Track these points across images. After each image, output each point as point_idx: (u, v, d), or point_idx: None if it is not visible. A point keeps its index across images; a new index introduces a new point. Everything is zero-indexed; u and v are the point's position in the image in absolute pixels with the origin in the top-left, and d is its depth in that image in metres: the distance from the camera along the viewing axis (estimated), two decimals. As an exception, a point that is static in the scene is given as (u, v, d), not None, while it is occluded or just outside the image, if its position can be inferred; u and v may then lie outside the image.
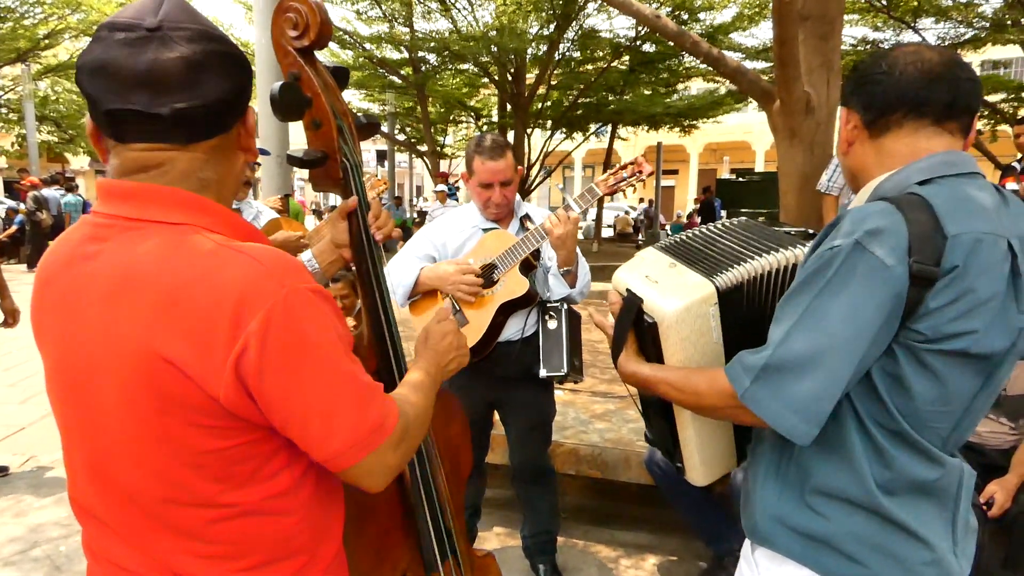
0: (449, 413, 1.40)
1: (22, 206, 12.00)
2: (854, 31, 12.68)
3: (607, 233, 19.55)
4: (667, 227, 18.83)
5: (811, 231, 1.24)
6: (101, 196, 0.83)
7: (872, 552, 1.00)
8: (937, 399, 0.96)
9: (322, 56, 1.16)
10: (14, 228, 12.09)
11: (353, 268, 1.20)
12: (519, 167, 2.31)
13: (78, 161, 22.87)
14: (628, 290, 1.22)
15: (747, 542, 1.18)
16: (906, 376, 0.95)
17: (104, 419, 0.80)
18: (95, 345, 0.78)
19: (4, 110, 17.26)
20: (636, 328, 1.22)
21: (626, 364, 1.23)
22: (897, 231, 0.91)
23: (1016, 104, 11.96)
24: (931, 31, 11.51)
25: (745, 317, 1.15)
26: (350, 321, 3.39)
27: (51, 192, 11.64)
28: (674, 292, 1.15)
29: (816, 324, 0.94)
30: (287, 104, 1.01)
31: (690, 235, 1.32)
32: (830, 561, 1.02)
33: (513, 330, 2.25)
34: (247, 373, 0.75)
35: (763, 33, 13.13)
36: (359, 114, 1.18)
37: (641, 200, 22.50)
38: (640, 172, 2.17)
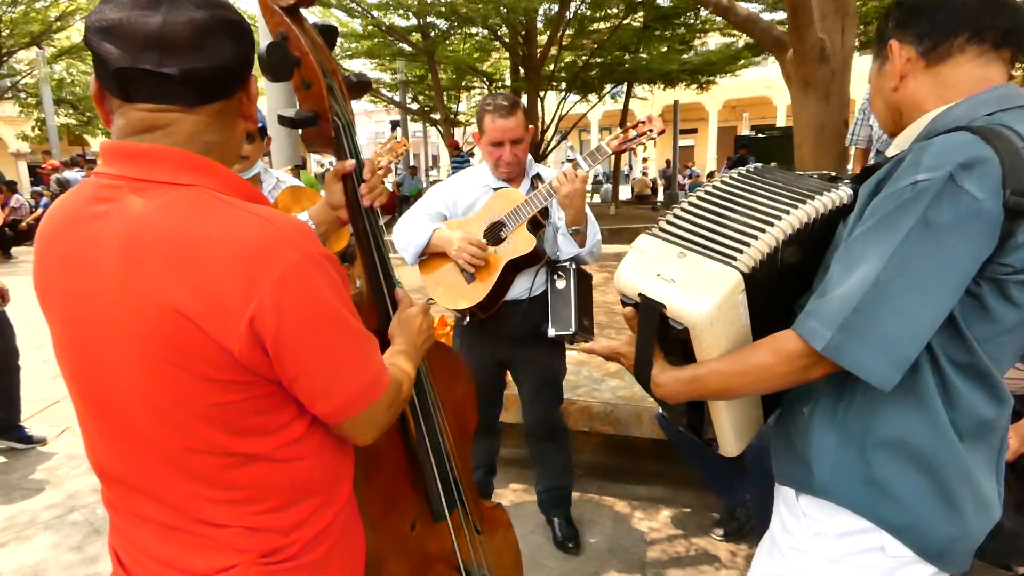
0: (455, 372, 1.43)
1: (47, 190, 12.23)
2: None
3: (624, 195, 19.32)
4: (686, 187, 18.55)
5: (833, 173, 1.18)
6: (106, 157, 0.84)
7: (934, 499, 0.99)
8: (1017, 325, 0.95)
9: (335, 25, 1.16)
10: (39, 211, 12.35)
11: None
12: (530, 126, 2.30)
13: (98, 143, 23.08)
14: (642, 296, 1.05)
15: (785, 491, 1.15)
16: (990, 306, 0.93)
17: (119, 375, 0.82)
18: (108, 301, 0.80)
19: (23, 95, 17.46)
20: (660, 336, 1.09)
21: (662, 377, 1.08)
22: (989, 162, 0.87)
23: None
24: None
25: (769, 288, 1.05)
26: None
27: (73, 174, 11.83)
28: (698, 289, 1.00)
29: (905, 267, 0.89)
30: (275, 63, 1.01)
31: (688, 208, 1.13)
32: (887, 510, 1.00)
33: (521, 289, 2.27)
34: (263, 331, 0.78)
35: (782, -19, 12.63)
36: (349, 74, 1.18)
37: (644, 162, 22.16)
38: (651, 130, 2.15)
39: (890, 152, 1.06)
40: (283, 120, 1.11)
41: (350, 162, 1.15)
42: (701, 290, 0.99)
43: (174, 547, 0.88)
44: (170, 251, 0.77)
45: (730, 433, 1.16)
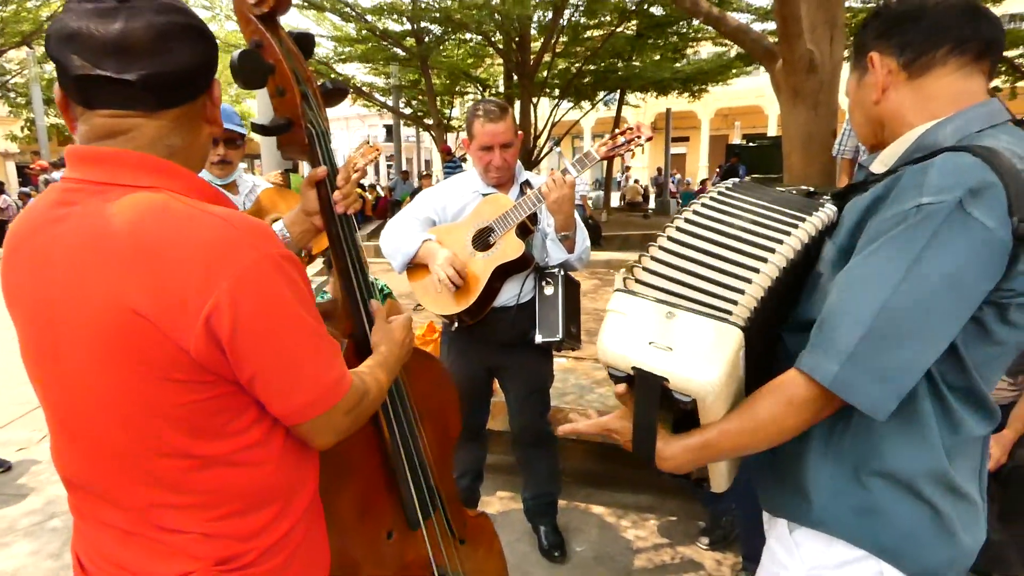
0: (435, 379, 1.42)
1: (35, 190, 12.12)
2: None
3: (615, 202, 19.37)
4: (678, 196, 18.61)
5: (811, 188, 1.15)
6: (70, 162, 0.85)
7: (929, 524, 0.96)
8: (1010, 347, 0.94)
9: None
10: (28, 212, 12.22)
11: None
12: (520, 132, 2.30)
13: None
14: (637, 369, 0.94)
15: (777, 525, 1.11)
16: (991, 329, 0.91)
17: (79, 377, 0.83)
18: (67, 304, 0.81)
19: (12, 95, 17.33)
20: (666, 400, 0.97)
21: (669, 450, 0.98)
22: (996, 188, 0.84)
23: (1025, 59, 11.59)
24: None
25: (761, 326, 0.96)
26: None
27: (61, 175, 11.74)
28: (701, 356, 0.89)
29: (913, 294, 0.85)
30: (247, 71, 1.02)
31: (666, 250, 1.00)
32: (885, 538, 0.97)
33: (509, 295, 2.26)
34: (219, 330, 0.78)
35: (773, -8, 12.75)
36: (325, 80, 1.18)
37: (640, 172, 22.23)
38: (639, 136, 2.15)
39: (874, 167, 1.04)
40: (256, 128, 1.12)
41: (322, 169, 1.14)
42: (704, 357, 0.89)
43: (133, 552, 0.88)
44: (128, 252, 0.78)
45: (724, 472, 1.09)
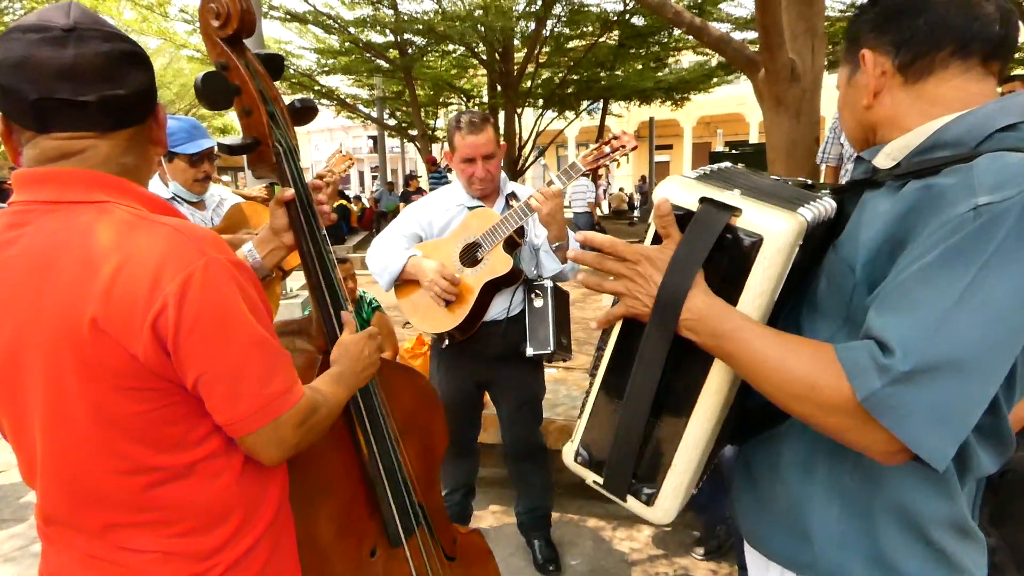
0: (418, 394, 1.41)
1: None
2: (843, -5, 12.47)
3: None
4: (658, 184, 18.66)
5: (808, 180, 1.05)
6: (18, 186, 0.87)
7: (938, 569, 0.87)
8: None
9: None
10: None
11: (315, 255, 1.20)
12: (502, 142, 2.30)
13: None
14: (706, 200, 0.84)
15: (775, 572, 0.99)
16: (1017, 363, 0.78)
17: (34, 397, 0.84)
18: (21, 324, 0.83)
19: (-10, 110, 17.08)
20: (713, 253, 0.85)
21: (703, 300, 0.83)
22: None
23: (1011, 64, 11.83)
24: (922, -7, 11.35)
25: (789, 286, 0.87)
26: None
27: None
28: (775, 212, 0.82)
29: (983, 309, 0.70)
30: (211, 93, 1.04)
31: (714, 170, 0.98)
32: None
33: (499, 309, 2.25)
34: (164, 331, 0.80)
35: (751, 3, 12.95)
36: (294, 99, 1.20)
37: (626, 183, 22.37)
38: (624, 146, 2.16)
39: (879, 161, 0.90)
40: (223, 147, 1.14)
41: (290, 191, 1.16)
42: (777, 214, 0.82)
43: None
44: (79, 262, 0.80)
45: (683, 477, 0.90)
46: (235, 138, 1.12)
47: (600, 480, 0.97)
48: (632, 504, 0.94)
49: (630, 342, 0.93)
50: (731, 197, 0.85)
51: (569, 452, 1.02)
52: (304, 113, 1.20)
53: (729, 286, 0.84)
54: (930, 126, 0.85)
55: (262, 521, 0.95)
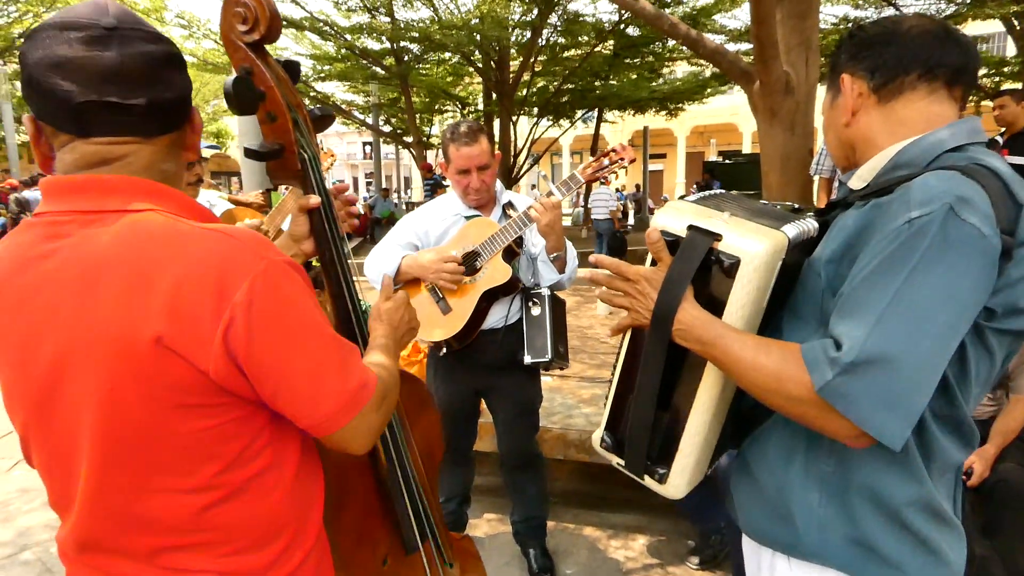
0: (420, 401, 1.41)
1: (5, 210, 11.86)
2: (834, 10, 12.63)
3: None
4: (655, 211, 18.79)
5: (795, 205, 1.18)
6: (50, 194, 0.82)
7: (915, 550, 0.96)
8: (987, 377, 0.93)
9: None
10: (-3, 231, 11.95)
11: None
12: (497, 152, 2.31)
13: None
14: (693, 227, 1.00)
15: (764, 556, 1.09)
16: (968, 357, 0.89)
17: (79, 417, 0.79)
18: (66, 342, 0.78)
19: (-18, 112, 16.97)
20: (699, 272, 1.00)
21: (686, 313, 0.97)
22: (983, 199, 0.83)
23: (998, 79, 12.01)
24: (912, 7, 11.52)
25: (776, 288, 1.00)
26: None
27: (32, 194, 11.49)
28: (753, 234, 0.96)
29: (911, 308, 0.82)
30: (241, 98, 1.02)
31: (708, 196, 1.13)
32: (875, 569, 0.96)
33: (496, 318, 2.26)
34: (236, 344, 0.76)
35: (745, 15, 13.10)
36: (313, 107, 1.19)
37: (623, 187, 22.44)
38: (622, 159, 2.18)
39: (852, 183, 1.04)
40: (248, 153, 1.11)
41: (315, 198, 1.14)
42: (755, 236, 0.96)
43: None
44: (132, 278, 0.75)
45: (692, 457, 1.07)
46: (260, 144, 1.10)
47: (622, 462, 1.16)
48: (648, 482, 1.11)
49: (637, 347, 1.11)
50: (716, 224, 1.00)
51: (596, 438, 1.22)
52: (323, 120, 1.19)
53: (716, 300, 0.99)
54: (891, 149, 0.98)
55: (311, 536, 0.93)
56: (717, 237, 0.97)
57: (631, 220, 19.15)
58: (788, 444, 1.03)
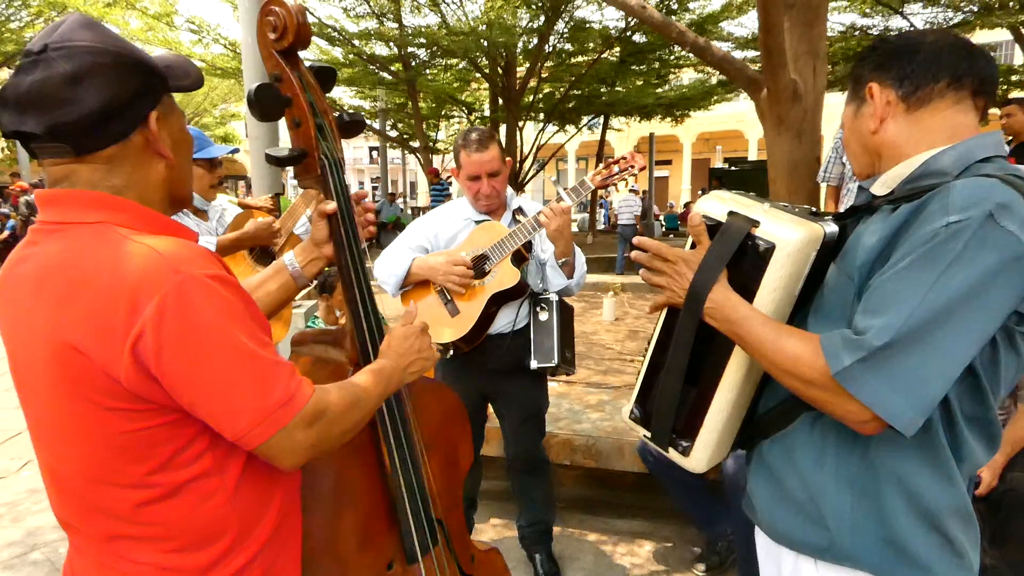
0: (446, 408, 1.42)
1: (14, 212, 11.94)
2: (841, 18, 12.63)
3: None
4: (660, 217, 18.80)
5: (813, 208, 1.20)
6: (37, 205, 0.90)
7: (944, 553, 0.98)
8: (1013, 379, 0.97)
9: (311, 52, 1.20)
10: (6, 233, 12.04)
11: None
12: (507, 158, 2.33)
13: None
14: (732, 213, 1.07)
15: (788, 557, 1.10)
16: (1000, 357, 0.93)
17: (40, 409, 0.88)
18: (25, 338, 0.86)
19: (-7, 115, 17.08)
20: (735, 257, 1.06)
21: (722, 293, 1.04)
22: (1021, 207, 0.86)
23: (1006, 87, 11.98)
24: (919, 16, 11.51)
25: (808, 282, 1.05)
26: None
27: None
28: (790, 223, 1.03)
29: (943, 307, 0.86)
30: (262, 104, 1.05)
31: (749, 193, 1.19)
32: (904, 569, 0.98)
33: (504, 322, 2.27)
34: (146, 356, 0.79)
35: (752, 22, 13.11)
36: (343, 113, 1.20)
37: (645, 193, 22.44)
38: (632, 166, 2.20)
39: (875, 189, 1.06)
40: (270, 158, 1.14)
41: (332, 204, 1.16)
42: (791, 225, 1.02)
43: None
44: (64, 287, 0.81)
45: (714, 434, 1.12)
46: (283, 149, 1.12)
47: (648, 434, 1.23)
48: (672, 455, 1.18)
49: (671, 325, 1.17)
50: (755, 211, 1.05)
51: (626, 411, 1.29)
52: (353, 127, 1.21)
53: (750, 282, 1.05)
54: (919, 157, 1.01)
55: (256, 541, 0.94)
56: (755, 223, 1.04)
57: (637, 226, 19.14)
58: (818, 447, 1.05)
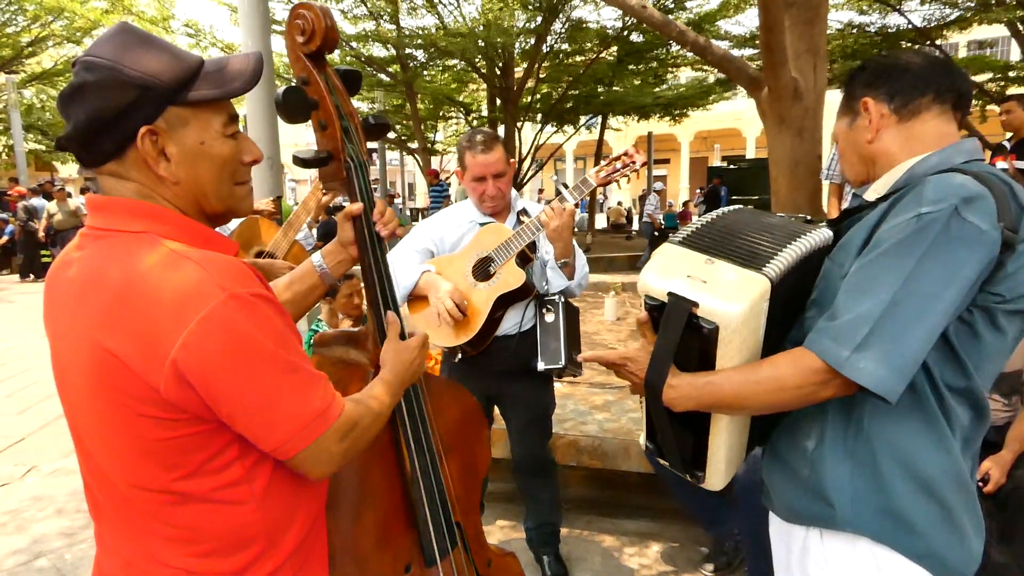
0: (465, 412, 1.42)
1: (13, 217, 11.91)
2: (839, 15, 12.64)
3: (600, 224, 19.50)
4: (660, 216, 18.78)
5: (808, 216, 1.25)
6: (87, 209, 0.92)
7: (943, 525, 1.05)
8: (999, 352, 1.06)
9: (359, 71, 1.22)
10: (5, 239, 12.02)
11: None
12: (511, 160, 2.32)
13: (67, 169, 22.72)
14: (671, 294, 1.06)
15: (798, 534, 1.17)
16: (981, 333, 1.03)
17: (80, 409, 0.90)
18: (68, 342, 0.88)
19: (-10, 121, 17.08)
20: (686, 332, 1.08)
21: (677, 379, 1.09)
22: (986, 198, 0.98)
23: (1003, 84, 12.00)
24: (917, 13, 11.53)
25: (775, 311, 1.09)
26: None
27: (39, 201, 11.55)
28: (730, 292, 1.03)
29: (918, 289, 0.97)
30: (289, 107, 1.06)
31: (703, 226, 1.19)
32: (905, 539, 1.05)
33: (511, 324, 2.27)
34: (187, 369, 0.81)
35: (750, 21, 13.14)
36: (369, 116, 1.22)
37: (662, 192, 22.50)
38: (633, 163, 2.19)
39: (868, 195, 1.17)
40: (297, 160, 1.15)
41: (357, 205, 1.18)
42: (733, 292, 1.03)
43: None
44: (108, 296, 0.82)
45: (721, 462, 1.18)
46: (309, 151, 1.13)
47: (667, 464, 1.27)
48: (691, 479, 1.23)
49: None
50: (695, 285, 1.06)
51: (642, 441, 1.33)
52: (378, 129, 1.22)
53: (705, 357, 1.08)
54: (906, 164, 1.13)
55: (285, 549, 0.96)
56: (694, 304, 1.05)
57: (635, 225, 19.16)
58: (817, 425, 1.13)
